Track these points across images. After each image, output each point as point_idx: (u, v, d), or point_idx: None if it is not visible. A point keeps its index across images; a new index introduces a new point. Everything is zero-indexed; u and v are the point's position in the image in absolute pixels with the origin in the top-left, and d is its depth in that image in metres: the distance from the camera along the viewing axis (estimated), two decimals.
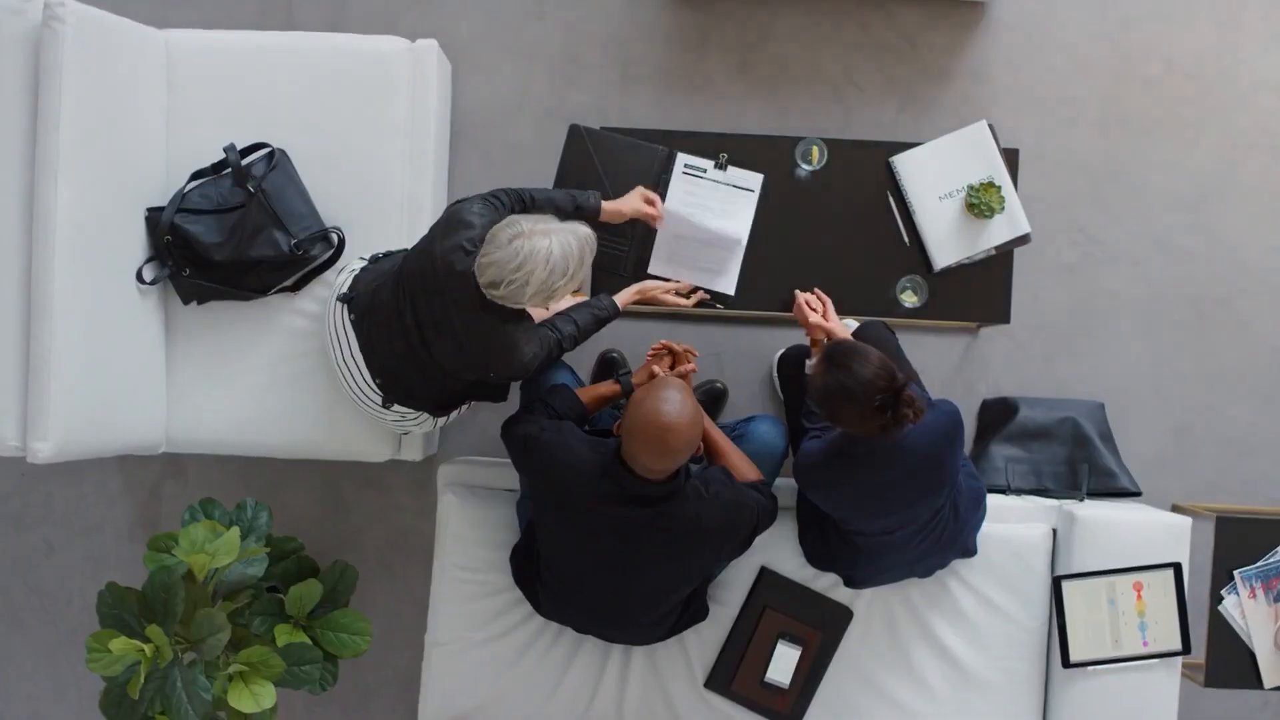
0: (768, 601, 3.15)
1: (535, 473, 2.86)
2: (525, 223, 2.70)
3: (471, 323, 2.81)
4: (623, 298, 3.12)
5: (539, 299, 2.72)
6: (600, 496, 2.78)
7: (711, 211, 3.24)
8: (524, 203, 2.96)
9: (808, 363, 3.10)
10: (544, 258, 2.66)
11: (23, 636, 3.87)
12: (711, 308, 3.25)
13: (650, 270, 3.26)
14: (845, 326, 3.10)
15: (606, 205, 3.11)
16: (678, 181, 3.25)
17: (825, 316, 3.10)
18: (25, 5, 2.95)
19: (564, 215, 2.97)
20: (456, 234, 2.79)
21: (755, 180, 3.26)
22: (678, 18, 3.75)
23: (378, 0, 3.77)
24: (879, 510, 2.86)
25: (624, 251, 3.25)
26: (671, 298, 3.18)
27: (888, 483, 2.80)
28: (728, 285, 3.25)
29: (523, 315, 2.88)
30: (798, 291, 3.17)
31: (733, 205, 3.24)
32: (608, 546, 2.83)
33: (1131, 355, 3.73)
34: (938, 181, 3.25)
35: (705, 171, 3.25)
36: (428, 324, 2.87)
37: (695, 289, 3.23)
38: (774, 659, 3.13)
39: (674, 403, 2.66)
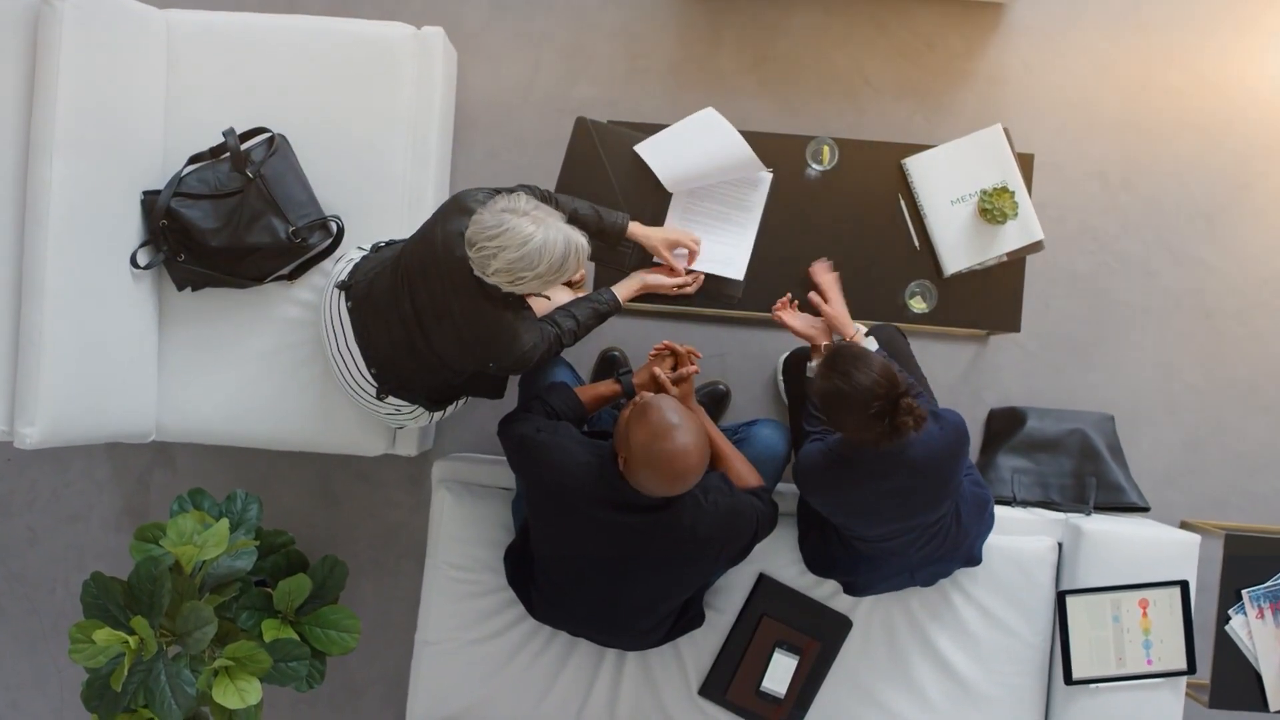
0: (765, 609, 3.11)
1: (530, 474, 2.82)
2: (527, 204, 2.65)
3: (470, 309, 2.76)
4: (624, 290, 3.08)
5: (501, 279, 2.66)
6: (595, 501, 2.73)
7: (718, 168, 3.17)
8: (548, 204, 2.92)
9: (809, 365, 3.05)
10: (521, 240, 2.61)
11: (3, 624, 3.83)
12: (719, 288, 3.19)
13: (656, 261, 3.20)
14: (858, 330, 3.04)
15: (635, 228, 3.08)
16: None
17: (827, 300, 3.04)
18: None
19: (588, 229, 2.95)
20: (458, 220, 2.74)
21: (764, 179, 3.21)
22: (689, 11, 3.70)
23: None
24: (880, 517, 2.83)
25: (628, 247, 3.19)
26: (675, 290, 3.13)
27: (889, 491, 2.77)
28: (736, 272, 3.18)
29: (522, 304, 2.84)
30: (775, 309, 3.11)
31: (741, 193, 3.20)
32: (602, 551, 2.79)
33: (1143, 367, 3.68)
34: (950, 185, 3.22)
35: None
36: (426, 311, 2.82)
37: (697, 275, 3.17)
38: (770, 668, 3.10)
39: (686, 434, 2.61)
